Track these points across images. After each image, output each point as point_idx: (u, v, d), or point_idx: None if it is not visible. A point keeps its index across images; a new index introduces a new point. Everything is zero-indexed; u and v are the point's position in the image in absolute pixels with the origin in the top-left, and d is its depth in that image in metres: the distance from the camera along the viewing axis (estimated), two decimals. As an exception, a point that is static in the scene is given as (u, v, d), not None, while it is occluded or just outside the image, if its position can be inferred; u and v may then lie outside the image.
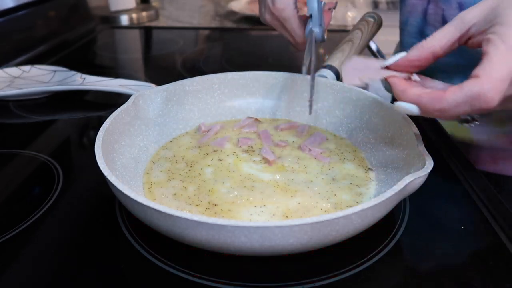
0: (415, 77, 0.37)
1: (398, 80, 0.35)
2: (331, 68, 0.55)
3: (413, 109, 0.34)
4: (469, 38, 0.35)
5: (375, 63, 0.38)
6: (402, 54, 0.36)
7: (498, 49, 0.31)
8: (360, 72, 0.37)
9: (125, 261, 0.38)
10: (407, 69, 0.36)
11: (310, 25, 0.48)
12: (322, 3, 0.51)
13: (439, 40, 0.34)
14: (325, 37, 0.54)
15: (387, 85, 0.36)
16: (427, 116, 0.34)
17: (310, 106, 0.48)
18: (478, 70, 0.30)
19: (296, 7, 0.49)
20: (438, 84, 0.36)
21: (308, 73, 0.49)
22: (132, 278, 0.36)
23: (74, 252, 0.39)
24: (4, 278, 0.36)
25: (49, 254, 0.38)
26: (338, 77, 0.55)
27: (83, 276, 0.36)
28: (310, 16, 0.48)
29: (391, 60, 0.36)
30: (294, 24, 0.47)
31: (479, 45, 0.34)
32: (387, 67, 0.36)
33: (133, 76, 0.83)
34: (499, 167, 0.60)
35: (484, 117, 0.57)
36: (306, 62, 0.49)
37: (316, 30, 0.46)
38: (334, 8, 0.57)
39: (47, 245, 0.39)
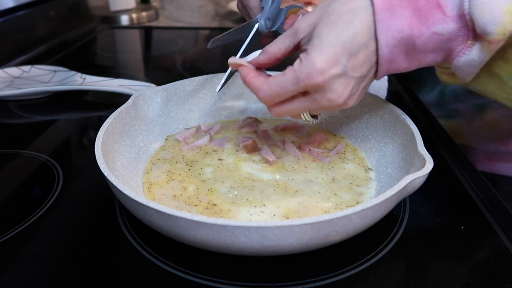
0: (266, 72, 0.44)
1: (245, 68, 0.42)
2: None
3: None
4: (300, 47, 0.41)
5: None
6: (256, 54, 0.43)
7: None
8: None
9: (125, 261, 0.38)
10: (259, 67, 0.42)
11: (258, 15, 0.49)
12: (288, 8, 0.51)
13: (279, 48, 0.41)
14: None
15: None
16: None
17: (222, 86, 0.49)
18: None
19: None
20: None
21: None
22: (132, 278, 0.36)
23: (75, 251, 0.39)
24: (4, 277, 0.36)
25: (49, 253, 0.38)
26: None
27: (83, 275, 0.36)
28: (263, 8, 0.50)
29: (248, 58, 0.43)
30: (257, 13, 0.51)
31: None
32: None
33: (133, 76, 0.83)
34: (496, 168, 0.60)
35: (476, 121, 0.58)
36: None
37: (261, 22, 0.48)
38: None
39: (47, 245, 0.39)
